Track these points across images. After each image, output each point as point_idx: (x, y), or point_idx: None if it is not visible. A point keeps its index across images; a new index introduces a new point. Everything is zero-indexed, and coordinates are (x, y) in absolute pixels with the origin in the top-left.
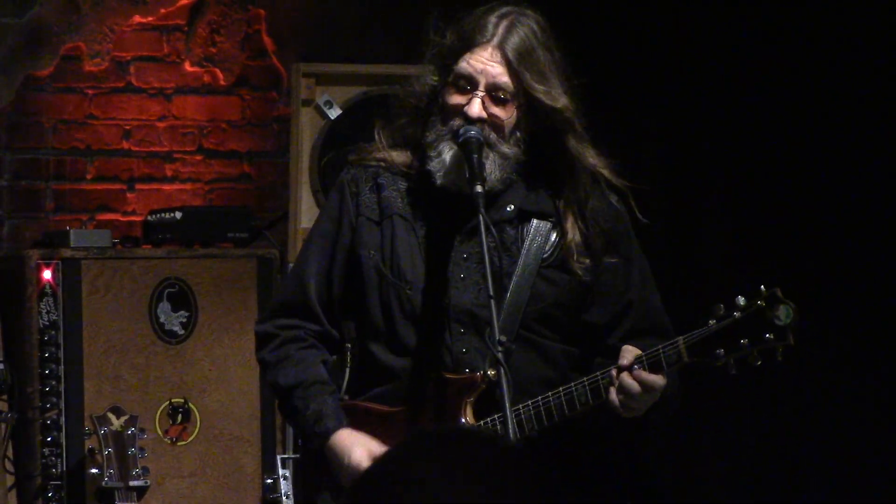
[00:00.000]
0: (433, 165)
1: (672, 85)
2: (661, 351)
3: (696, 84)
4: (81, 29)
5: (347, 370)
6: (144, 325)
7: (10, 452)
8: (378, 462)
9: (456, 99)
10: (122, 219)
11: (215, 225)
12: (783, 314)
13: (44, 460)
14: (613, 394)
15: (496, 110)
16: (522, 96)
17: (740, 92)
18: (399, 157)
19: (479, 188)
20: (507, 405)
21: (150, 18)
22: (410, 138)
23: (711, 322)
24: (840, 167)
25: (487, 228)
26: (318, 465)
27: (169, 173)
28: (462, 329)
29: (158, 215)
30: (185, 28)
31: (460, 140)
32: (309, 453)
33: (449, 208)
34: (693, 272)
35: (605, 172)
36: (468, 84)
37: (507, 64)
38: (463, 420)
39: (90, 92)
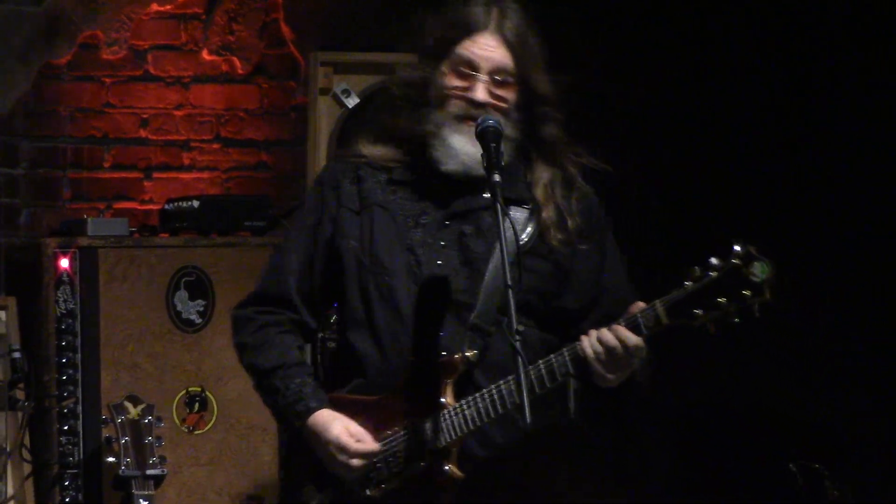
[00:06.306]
0: (438, 153)
1: (654, 65)
2: (638, 315)
3: (676, 62)
4: (99, 17)
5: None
6: (161, 313)
7: (27, 441)
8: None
9: (456, 82)
10: (139, 207)
11: (232, 214)
12: (759, 270)
13: (61, 449)
14: (588, 347)
15: (501, 93)
16: (520, 80)
17: (715, 67)
18: (381, 151)
19: (496, 177)
20: (525, 393)
21: (167, 7)
22: (394, 131)
23: (687, 284)
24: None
25: (505, 216)
26: (303, 456)
27: (186, 162)
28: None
29: (176, 204)
30: (203, 16)
31: (479, 129)
32: (293, 445)
33: (430, 197)
34: (669, 240)
35: (584, 158)
36: (470, 69)
37: (510, 47)
38: (443, 400)
39: (107, 80)
